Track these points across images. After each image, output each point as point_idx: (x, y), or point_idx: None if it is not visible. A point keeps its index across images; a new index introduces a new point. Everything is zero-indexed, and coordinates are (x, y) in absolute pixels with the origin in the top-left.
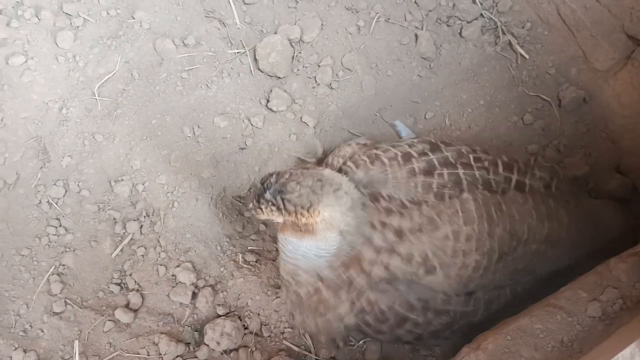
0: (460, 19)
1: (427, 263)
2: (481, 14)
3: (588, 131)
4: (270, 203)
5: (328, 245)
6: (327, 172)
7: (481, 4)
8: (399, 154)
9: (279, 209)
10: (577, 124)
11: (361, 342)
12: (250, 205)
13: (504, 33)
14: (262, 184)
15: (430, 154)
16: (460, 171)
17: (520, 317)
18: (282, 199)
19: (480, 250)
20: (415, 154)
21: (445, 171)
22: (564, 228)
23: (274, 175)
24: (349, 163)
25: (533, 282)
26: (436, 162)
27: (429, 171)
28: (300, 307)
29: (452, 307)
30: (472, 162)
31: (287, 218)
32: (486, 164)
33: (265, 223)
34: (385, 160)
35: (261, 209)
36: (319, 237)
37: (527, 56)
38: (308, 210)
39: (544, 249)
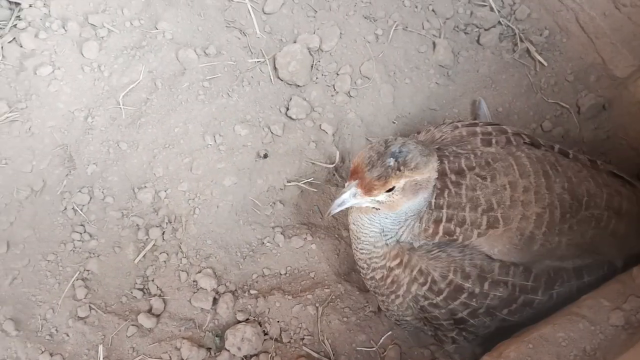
0: (477, 27)
1: (491, 213)
2: (499, 22)
3: (608, 138)
4: (400, 165)
5: (427, 198)
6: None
7: (499, 11)
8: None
9: (411, 168)
10: (596, 130)
11: (383, 349)
12: (348, 193)
13: (522, 40)
14: (379, 153)
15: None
16: (505, 126)
17: (542, 325)
18: (412, 157)
19: (540, 203)
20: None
21: (488, 126)
22: (624, 198)
23: (383, 145)
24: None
25: (600, 271)
26: (479, 123)
27: (471, 124)
28: (379, 292)
29: (510, 278)
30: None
31: (412, 176)
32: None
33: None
34: (430, 128)
35: (389, 177)
36: (430, 188)
37: (545, 63)
38: (432, 161)
39: (606, 219)
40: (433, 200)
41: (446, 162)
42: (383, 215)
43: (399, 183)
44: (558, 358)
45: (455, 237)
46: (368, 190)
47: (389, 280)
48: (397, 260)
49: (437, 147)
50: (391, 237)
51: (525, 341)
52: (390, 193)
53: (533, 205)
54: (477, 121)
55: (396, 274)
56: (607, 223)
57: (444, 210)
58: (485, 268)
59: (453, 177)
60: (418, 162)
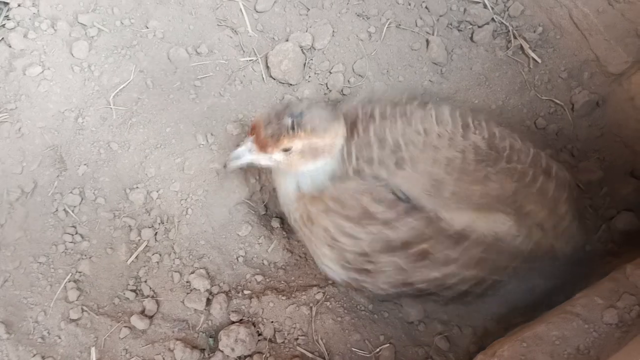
0: (471, 24)
1: (398, 153)
2: (492, 19)
3: (602, 135)
4: (296, 127)
5: (333, 165)
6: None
7: (492, 8)
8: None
9: (307, 131)
10: (590, 128)
11: (377, 349)
12: (244, 148)
13: (515, 37)
14: (280, 111)
15: None
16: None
17: (536, 324)
18: (311, 120)
19: (453, 148)
20: None
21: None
22: (554, 164)
23: (287, 105)
24: None
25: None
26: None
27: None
28: (312, 240)
29: (425, 206)
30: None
31: (310, 140)
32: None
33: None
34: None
35: (283, 136)
36: (333, 154)
37: (539, 60)
38: (338, 124)
39: (532, 175)
40: (344, 151)
41: (360, 111)
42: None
43: (293, 144)
44: (552, 357)
45: (363, 174)
46: (262, 147)
47: (305, 217)
48: (311, 198)
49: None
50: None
51: (519, 340)
52: (287, 153)
53: (445, 150)
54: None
55: (309, 210)
56: (533, 180)
57: (353, 153)
58: (399, 194)
59: (364, 123)
60: (316, 126)
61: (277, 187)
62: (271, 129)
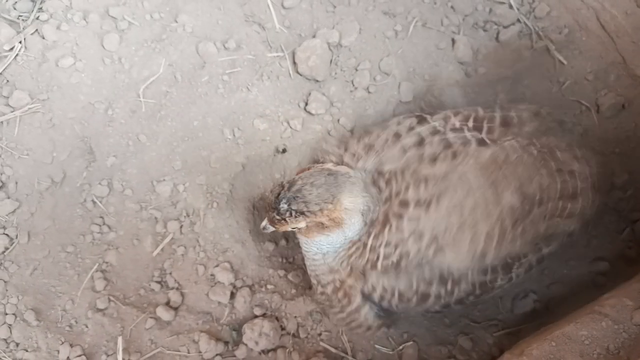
0: (496, 24)
1: (437, 243)
2: (518, 20)
3: (627, 138)
4: (293, 211)
5: (353, 232)
6: (331, 165)
7: (518, 9)
8: (389, 137)
9: (302, 213)
10: (616, 130)
11: (400, 347)
12: (265, 222)
13: (541, 39)
14: (276, 197)
15: (417, 127)
16: (450, 136)
17: (564, 323)
18: (304, 203)
19: (488, 220)
20: (403, 132)
21: (434, 139)
22: (577, 177)
23: (285, 186)
24: (346, 159)
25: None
26: (424, 134)
27: (419, 143)
28: (330, 307)
29: (469, 277)
30: (458, 125)
31: (311, 220)
32: (470, 122)
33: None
34: (377, 146)
35: (285, 220)
36: (346, 226)
37: (565, 62)
38: (332, 203)
39: (561, 207)
40: (370, 241)
41: (394, 183)
42: (317, 240)
43: (298, 225)
44: (581, 356)
45: (400, 268)
46: (275, 226)
47: (340, 294)
48: (348, 270)
49: (379, 165)
50: (334, 260)
51: (547, 339)
52: (298, 229)
53: (481, 224)
54: (421, 131)
55: (349, 284)
56: (563, 210)
57: (381, 249)
58: (445, 273)
59: (396, 209)
60: (311, 208)
61: (300, 243)
62: (273, 214)
